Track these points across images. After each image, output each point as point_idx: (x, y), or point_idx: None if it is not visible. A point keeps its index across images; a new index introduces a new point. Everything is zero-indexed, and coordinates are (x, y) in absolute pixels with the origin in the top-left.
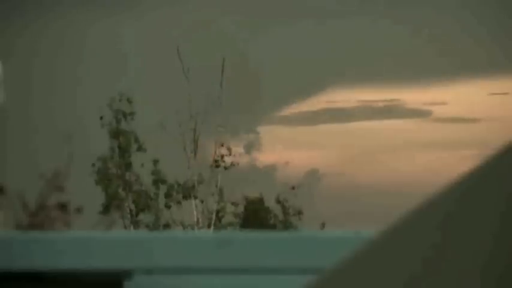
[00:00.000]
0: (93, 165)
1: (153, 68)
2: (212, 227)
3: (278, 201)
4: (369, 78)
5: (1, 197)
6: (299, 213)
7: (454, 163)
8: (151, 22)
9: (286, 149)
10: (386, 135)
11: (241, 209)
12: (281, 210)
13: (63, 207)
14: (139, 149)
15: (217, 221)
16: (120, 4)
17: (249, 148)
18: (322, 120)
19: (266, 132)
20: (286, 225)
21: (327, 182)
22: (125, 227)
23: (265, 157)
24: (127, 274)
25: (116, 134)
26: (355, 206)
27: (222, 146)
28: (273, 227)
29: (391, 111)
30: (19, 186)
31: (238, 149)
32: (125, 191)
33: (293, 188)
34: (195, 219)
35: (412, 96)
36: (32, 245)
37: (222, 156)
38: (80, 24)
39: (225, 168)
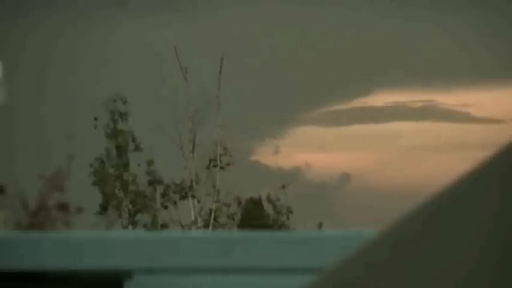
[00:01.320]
0: (91, 165)
1: (150, 67)
2: (210, 227)
3: (270, 201)
4: (404, 79)
5: (1, 197)
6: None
7: None
8: (150, 22)
9: (311, 149)
10: (421, 137)
11: (234, 209)
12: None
13: (63, 207)
14: (137, 149)
15: (214, 221)
16: (116, 5)
17: (276, 149)
18: (354, 121)
19: (295, 132)
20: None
21: (353, 183)
22: (123, 227)
23: (291, 158)
24: (127, 274)
25: (113, 134)
26: (382, 208)
27: (220, 146)
28: (271, 227)
29: (426, 112)
30: (19, 186)
31: (262, 149)
32: (123, 191)
33: (316, 189)
34: (193, 219)
35: (447, 97)
36: (32, 245)
37: (220, 156)
38: (77, 25)
39: (222, 168)
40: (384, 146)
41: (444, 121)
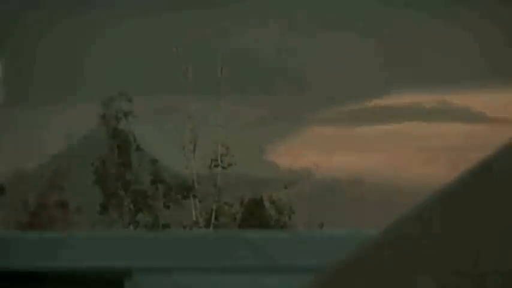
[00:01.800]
0: (92, 164)
1: (152, 67)
2: (211, 227)
3: (272, 201)
4: (419, 79)
5: (1, 197)
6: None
7: None
8: (152, 22)
9: (322, 150)
10: (435, 137)
11: (235, 209)
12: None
13: (63, 206)
14: (138, 148)
15: (216, 220)
16: (119, 4)
17: (286, 149)
18: (367, 121)
19: (306, 132)
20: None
21: (362, 184)
22: (124, 227)
23: (300, 158)
24: (127, 273)
25: (114, 133)
26: (391, 209)
27: (221, 145)
28: (273, 227)
29: (440, 112)
30: (19, 186)
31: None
32: (124, 191)
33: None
34: (194, 219)
35: (461, 97)
36: (32, 245)
37: (221, 156)
38: (81, 25)
39: (223, 168)
40: (396, 146)
41: (458, 121)
